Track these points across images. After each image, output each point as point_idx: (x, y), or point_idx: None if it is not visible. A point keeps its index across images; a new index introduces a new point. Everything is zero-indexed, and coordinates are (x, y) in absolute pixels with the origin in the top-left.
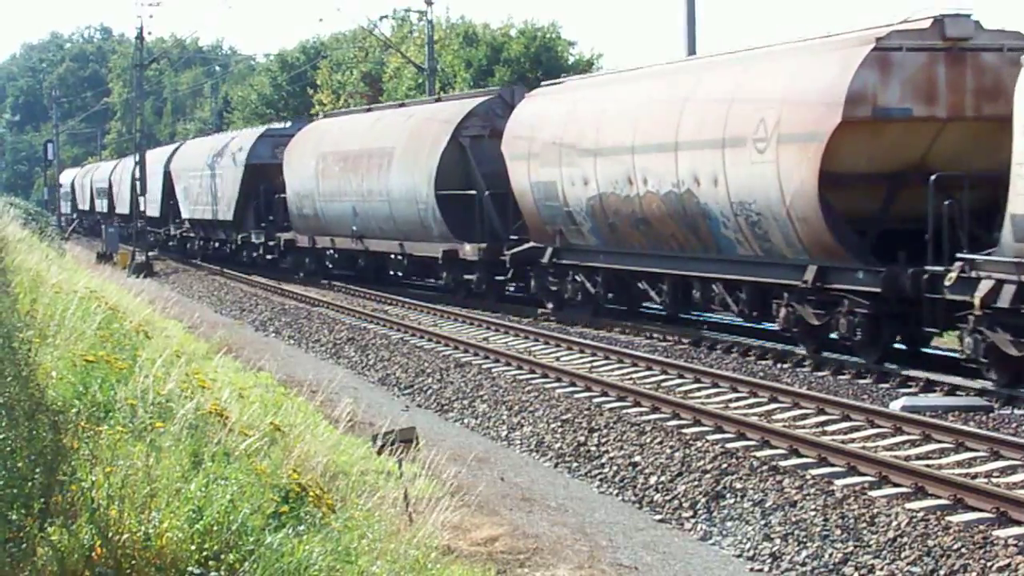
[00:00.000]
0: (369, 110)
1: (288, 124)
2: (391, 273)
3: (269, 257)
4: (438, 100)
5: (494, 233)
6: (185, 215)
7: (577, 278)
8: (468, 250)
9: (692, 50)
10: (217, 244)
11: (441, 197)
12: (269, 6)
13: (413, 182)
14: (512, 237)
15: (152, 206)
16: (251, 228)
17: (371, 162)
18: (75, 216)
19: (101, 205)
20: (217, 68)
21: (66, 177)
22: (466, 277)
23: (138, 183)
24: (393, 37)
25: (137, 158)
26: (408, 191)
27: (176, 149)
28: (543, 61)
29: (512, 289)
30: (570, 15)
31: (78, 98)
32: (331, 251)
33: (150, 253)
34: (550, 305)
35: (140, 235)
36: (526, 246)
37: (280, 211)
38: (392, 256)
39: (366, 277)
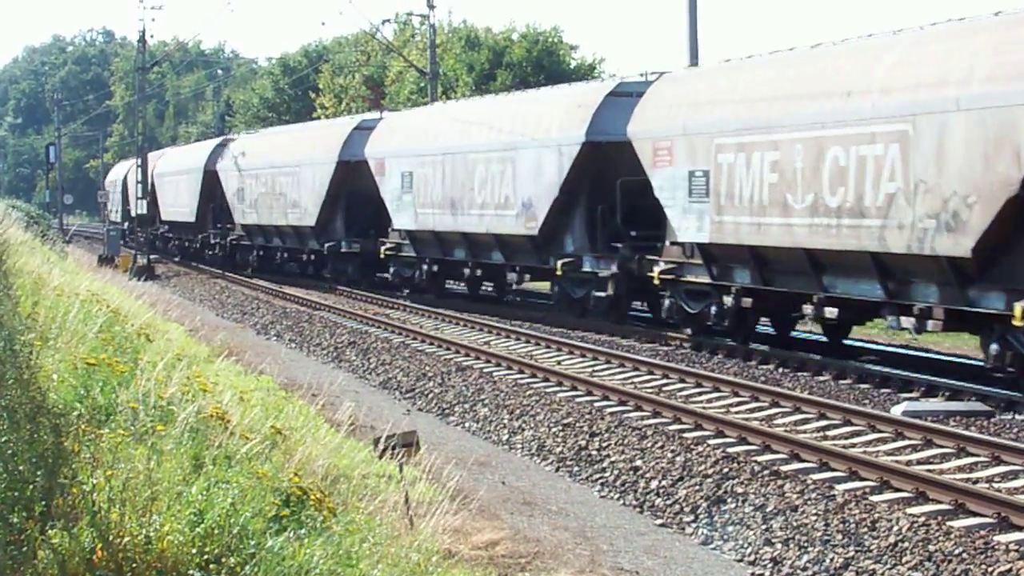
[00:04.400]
0: None
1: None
2: None
3: None
4: None
5: None
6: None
7: None
8: None
9: (694, 56)
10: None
11: None
12: (271, 10)
13: None
14: None
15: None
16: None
17: None
18: (125, 227)
19: (176, 209)
20: (219, 71)
21: (117, 173)
22: None
23: (139, 186)
24: (395, 41)
25: (139, 161)
26: None
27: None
28: (545, 65)
29: None
30: (572, 19)
31: (80, 101)
32: None
33: (151, 256)
34: None
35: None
36: None
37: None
38: None
39: None
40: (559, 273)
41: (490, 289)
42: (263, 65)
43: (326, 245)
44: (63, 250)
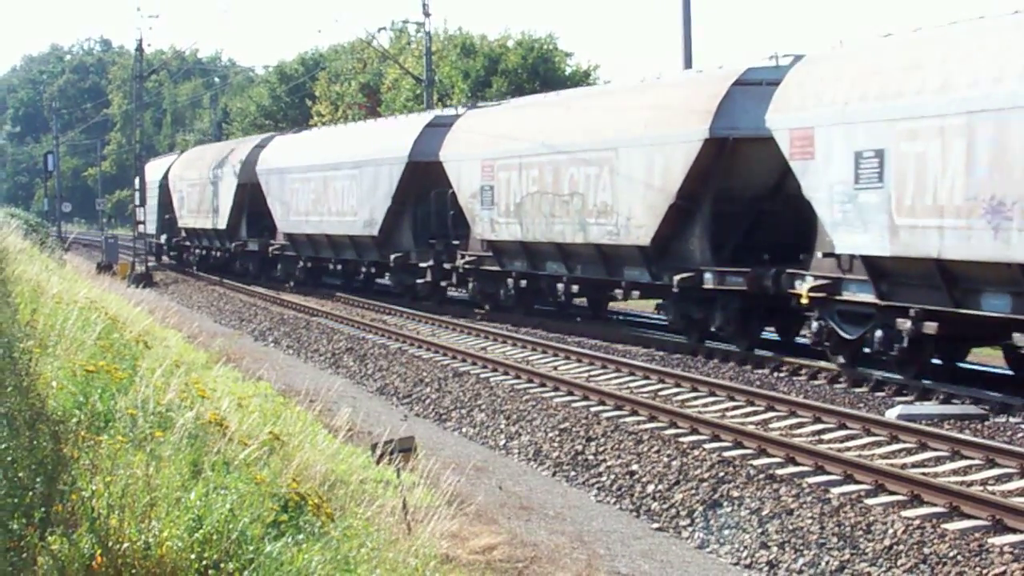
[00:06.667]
0: None
1: None
2: None
3: None
4: None
5: None
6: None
7: None
8: None
9: (688, 60)
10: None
11: None
12: (268, 18)
13: None
14: None
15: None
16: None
17: None
18: (162, 240)
19: (315, 219)
20: (216, 80)
21: (155, 173)
22: None
23: (136, 193)
24: (391, 48)
25: (137, 169)
26: None
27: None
28: (540, 72)
29: None
30: (567, 26)
31: (78, 109)
32: None
33: (149, 264)
34: None
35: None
36: None
37: None
38: None
39: None
40: None
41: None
42: (260, 73)
43: (675, 278)
44: (62, 258)
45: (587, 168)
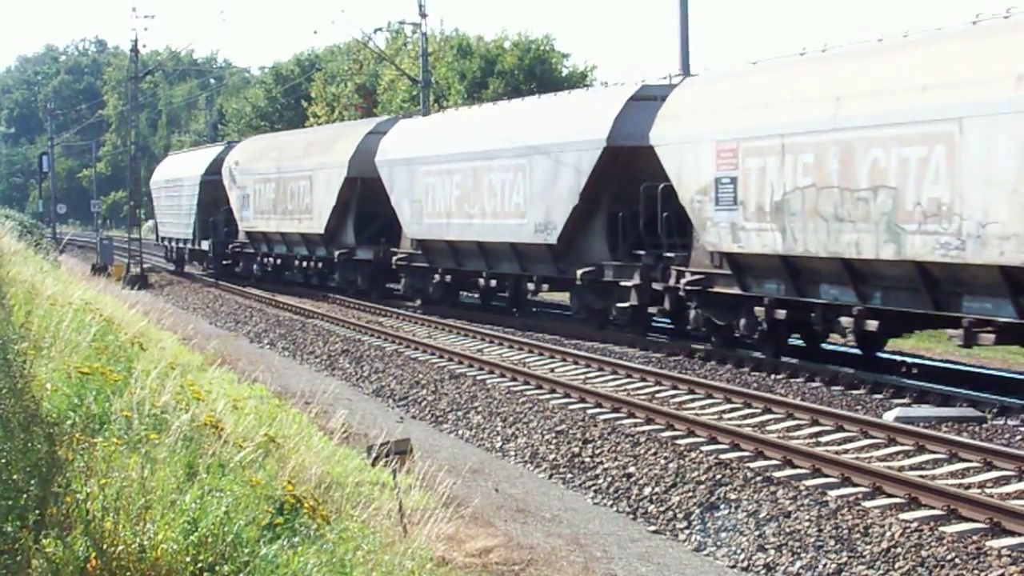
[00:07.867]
0: None
1: None
2: None
3: None
4: None
5: None
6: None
7: None
8: None
9: (686, 62)
10: None
11: None
12: (263, 19)
13: None
14: None
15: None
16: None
17: None
18: (207, 248)
19: (457, 223)
20: (212, 80)
21: (180, 169)
22: None
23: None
24: (387, 50)
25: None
26: None
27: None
28: (537, 73)
29: None
30: (564, 27)
31: (73, 110)
32: None
33: (145, 267)
34: None
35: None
36: None
37: None
38: None
39: None
40: None
41: None
42: (256, 74)
43: None
44: (56, 259)
45: (903, 150)
